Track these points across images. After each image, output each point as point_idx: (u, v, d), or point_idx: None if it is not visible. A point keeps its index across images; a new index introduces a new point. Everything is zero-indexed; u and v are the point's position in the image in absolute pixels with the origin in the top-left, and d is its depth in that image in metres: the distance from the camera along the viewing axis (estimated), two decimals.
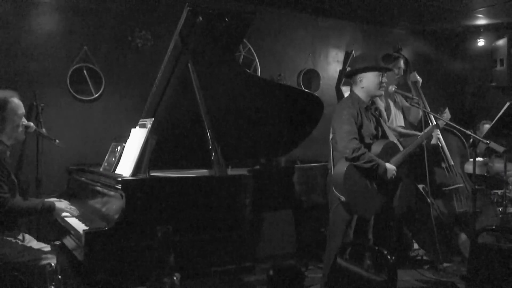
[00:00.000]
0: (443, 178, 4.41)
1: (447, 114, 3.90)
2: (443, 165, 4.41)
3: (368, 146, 3.40)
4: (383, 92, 3.55)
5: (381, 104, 4.25)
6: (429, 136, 3.65)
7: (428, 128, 3.75)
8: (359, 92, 3.50)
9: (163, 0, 4.73)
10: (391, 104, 4.38)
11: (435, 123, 4.07)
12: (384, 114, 4.24)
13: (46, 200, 3.14)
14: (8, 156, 3.01)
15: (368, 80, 3.45)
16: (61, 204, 3.13)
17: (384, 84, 3.50)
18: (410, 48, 6.37)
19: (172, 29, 3.20)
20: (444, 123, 3.84)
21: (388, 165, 3.37)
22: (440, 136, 4.34)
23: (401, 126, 4.38)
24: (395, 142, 3.57)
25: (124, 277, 2.59)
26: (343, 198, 3.27)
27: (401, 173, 3.51)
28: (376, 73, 3.44)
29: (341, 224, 3.41)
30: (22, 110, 3.06)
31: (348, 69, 5.19)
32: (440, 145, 4.37)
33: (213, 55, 3.37)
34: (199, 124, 3.08)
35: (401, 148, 3.54)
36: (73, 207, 3.16)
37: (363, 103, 3.48)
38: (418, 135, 3.85)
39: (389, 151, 3.45)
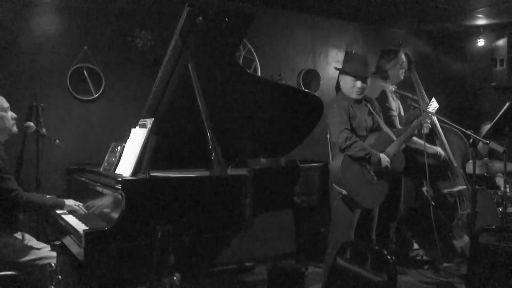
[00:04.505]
0: (446, 179, 4.39)
1: (434, 103, 3.92)
2: (445, 166, 4.40)
3: (362, 139, 3.48)
4: (358, 96, 3.60)
5: (393, 98, 4.29)
6: (420, 126, 3.69)
7: (418, 118, 3.76)
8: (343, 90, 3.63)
9: (163, 0, 4.73)
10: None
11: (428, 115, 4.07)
12: (394, 108, 4.28)
13: (56, 197, 3.17)
14: (4, 154, 3.00)
15: (344, 82, 3.59)
16: (70, 201, 3.16)
17: (359, 90, 3.54)
18: (410, 48, 6.34)
19: (172, 29, 3.19)
20: (434, 112, 3.87)
21: (381, 155, 3.42)
22: (442, 134, 4.34)
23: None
24: (389, 133, 3.61)
25: (124, 277, 2.59)
26: (344, 192, 3.29)
27: (397, 166, 3.53)
28: (352, 78, 3.49)
29: (343, 222, 3.41)
30: (6, 104, 3.04)
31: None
32: (439, 134, 4.35)
33: (213, 55, 3.37)
34: (199, 124, 3.07)
35: (394, 138, 3.57)
36: (80, 205, 3.18)
37: (351, 99, 3.57)
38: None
39: (382, 142, 3.51)
